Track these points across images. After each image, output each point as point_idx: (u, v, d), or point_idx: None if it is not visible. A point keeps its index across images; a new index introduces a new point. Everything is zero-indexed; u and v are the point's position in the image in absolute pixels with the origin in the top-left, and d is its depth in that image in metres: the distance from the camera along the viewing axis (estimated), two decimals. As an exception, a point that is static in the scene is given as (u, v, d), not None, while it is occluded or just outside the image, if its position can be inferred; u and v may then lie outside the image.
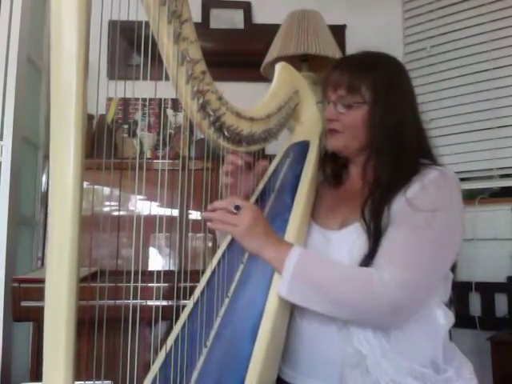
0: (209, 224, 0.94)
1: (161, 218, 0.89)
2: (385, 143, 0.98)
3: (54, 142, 0.61)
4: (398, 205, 0.93)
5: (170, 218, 1.51)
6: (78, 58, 0.60)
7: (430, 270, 0.90)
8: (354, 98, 1.00)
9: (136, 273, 0.82)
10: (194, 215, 1.65)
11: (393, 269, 0.87)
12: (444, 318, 0.96)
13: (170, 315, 1.00)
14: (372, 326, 0.91)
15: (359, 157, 1.06)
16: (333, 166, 1.12)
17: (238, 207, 0.91)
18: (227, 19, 2.38)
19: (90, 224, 0.76)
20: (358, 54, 1.07)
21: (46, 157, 2.00)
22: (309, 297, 0.89)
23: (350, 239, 0.95)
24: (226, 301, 0.95)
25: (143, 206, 1.49)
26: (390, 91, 1.00)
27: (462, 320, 1.99)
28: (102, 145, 1.83)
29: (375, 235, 0.92)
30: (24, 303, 1.43)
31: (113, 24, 0.74)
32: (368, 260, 0.91)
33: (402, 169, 0.96)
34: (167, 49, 0.80)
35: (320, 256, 0.97)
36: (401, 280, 0.86)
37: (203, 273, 1.04)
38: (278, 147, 1.22)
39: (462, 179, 2.20)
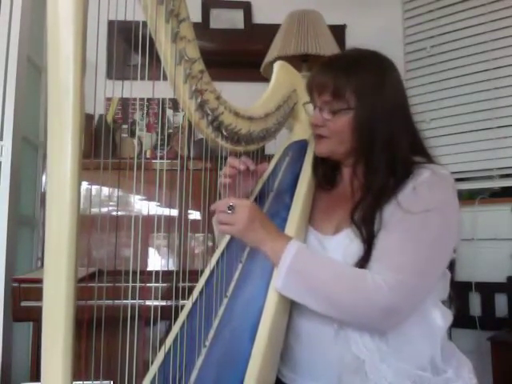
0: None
1: (160, 217, 0.89)
2: (373, 147, 0.97)
3: (51, 142, 0.61)
4: (390, 208, 0.92)
5: (169, 218, 1.51)
6: (75, 57, 0.60)
7: (425, 272, 0.89)
8: (338, 104, 0.98)
9: (135, 273, 0.82)
10: (193, 215, 1.65)
11: (386, 272, 0.86)
12: (441, 318, 0.96)
13: (169, 315, 1.00)
14: (365, 328, 0.91)
15: (349, 159, 1.04)
16: (325, 169, 1.10)
17: (231, 207, 0.92)
18: (227, 19, 2.38)
19: (88, 224, 0.76)
20: (343, 55, 1.06)
21: (46, 157, 1.99)
22: (303, 293, 0.89)
23: (343, 244, 0.95)
24: (225, 300, 0.95)
25: (142, 206, 1.49)
26: (374, 94, 0.97)
27: (462, 320, 1.99)
28: (101, 145, 1.83)
29: (368, 240, 0.91)
30: (24, 303, 1.44)
31: (111, 24, 0.74)
32: (362, 264, 0.90)
33: (393, 172, 0.95)
34: (165, 48, 0.79)
35: (317, 253, 0.97)
36: (394, 283, 0.85)
37: (202, 273, 1.04)
38: (276, 146, 1.22)
39: (463, 179, 2.20)
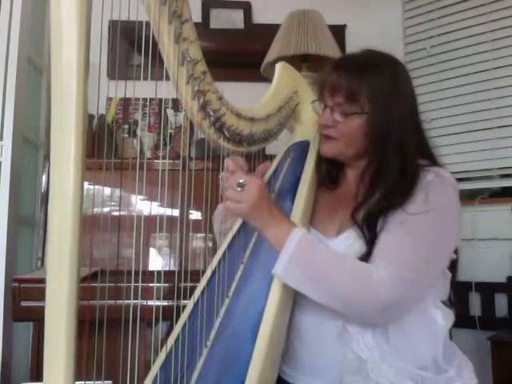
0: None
1: (161, 218, 0.89)
2: (385, 151, 0.96)
3: (54, 142, 0.61)
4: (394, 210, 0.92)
5: (171, 218, 1.51)
6: (78, 57, 0.60)
7: (425, 269, 0.90)
8: (351, 108, 0.97)
9: (136, 273, 0.82)
10: (195, 215, 1.65)
11: (388, 266, 0.87)
12: (443, 318, 0.96)
13: (170, 315, 1.00)
14: (363, 320, 0.91)
15: (355, 161, 1.04)
16: (329, 168, 1.09)
17: (241, 184, 0.91)
18: (227, 19, 2.38)
19: (90, 224, 0.76)
20: (357, 56, 1.03)
21: (46, 157, 2.00)
22: (304, 281, 0.88)
23: (345, 245, 0.95)
24: (227, 301, 0.95)
25: (144, 206, 1.49)
26: (389, 99, 0.97)
27: (462, 320, 1.99)
28: (103, 145, 1.83)
29: (371, 240, 0.91)
30: (24, 303, 1.44)
31: (113, 24, 0.74)
32: (363, 259, 0.90)
33: (403, 175, 0.95)
34: (168, 49, 0.80)
35: (321, 242, 0.96)
36: (396, 277, 0.86)
37: (204, 273, 1.04)
38: (278, 147, 1.22)
39: (462, 179, 2.21)
